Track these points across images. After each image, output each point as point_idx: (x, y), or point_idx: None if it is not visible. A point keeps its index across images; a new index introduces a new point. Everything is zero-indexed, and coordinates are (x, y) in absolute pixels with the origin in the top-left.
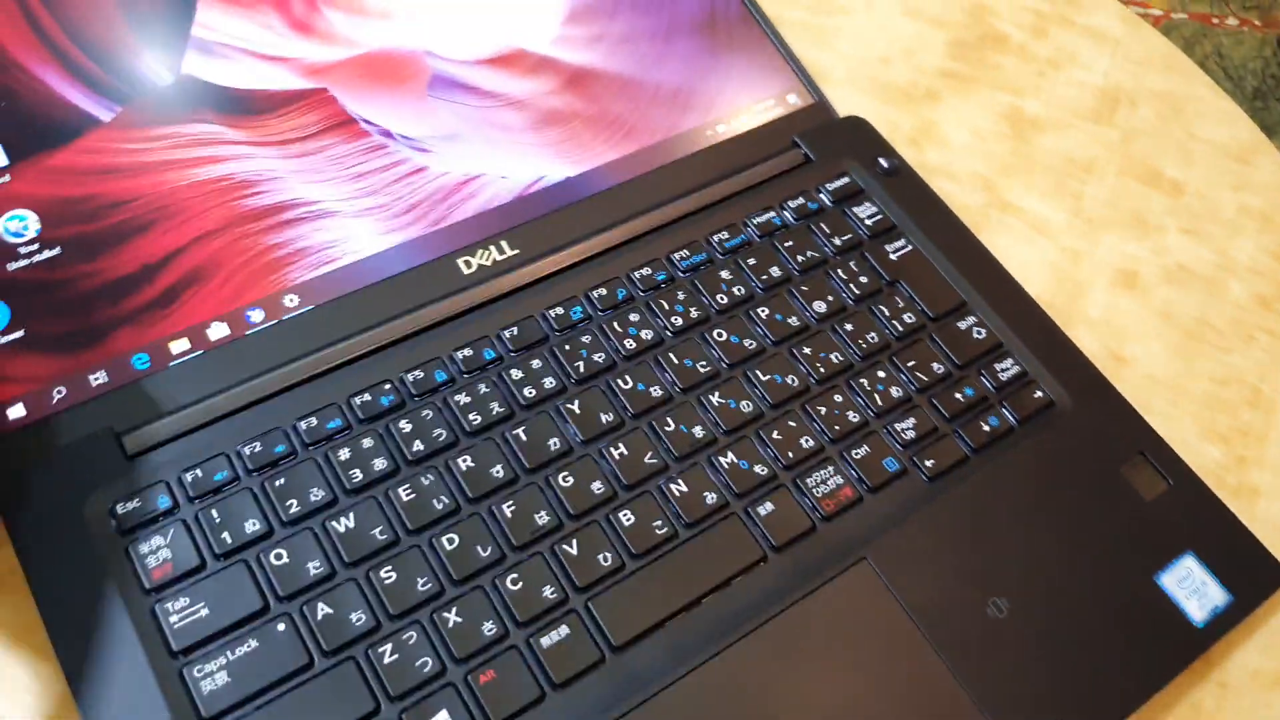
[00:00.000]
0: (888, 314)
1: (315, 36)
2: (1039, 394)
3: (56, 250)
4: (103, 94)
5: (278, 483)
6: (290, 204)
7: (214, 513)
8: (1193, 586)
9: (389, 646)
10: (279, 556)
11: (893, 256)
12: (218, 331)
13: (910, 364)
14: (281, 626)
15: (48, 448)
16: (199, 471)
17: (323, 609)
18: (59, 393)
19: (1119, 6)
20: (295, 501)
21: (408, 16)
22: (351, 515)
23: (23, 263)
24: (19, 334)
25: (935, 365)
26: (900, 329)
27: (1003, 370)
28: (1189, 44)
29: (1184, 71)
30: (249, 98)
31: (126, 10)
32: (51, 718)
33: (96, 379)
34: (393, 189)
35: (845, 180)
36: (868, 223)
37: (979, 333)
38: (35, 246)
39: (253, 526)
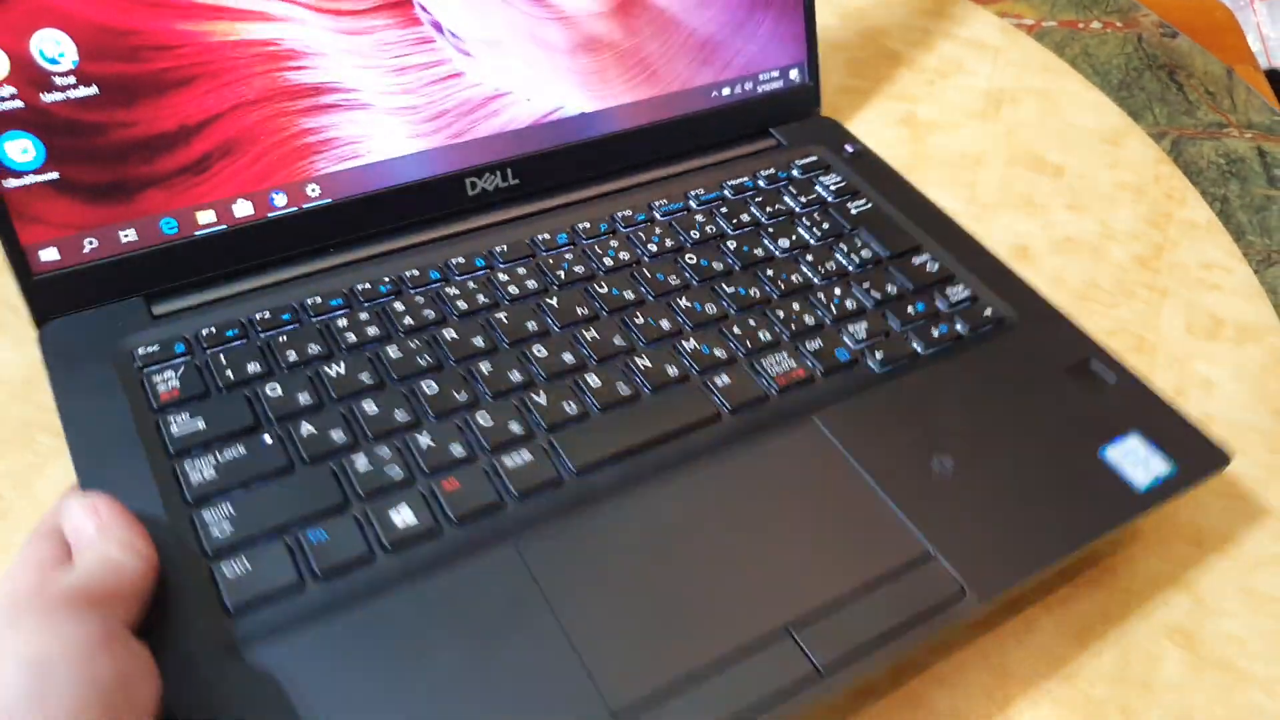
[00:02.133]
0: (847, 249)
1: None
2: (989, 311)
3: (94, 89)
4: None
5: (280, 338)
6: (330, 87)
7: (221, 357)
8: (1137, 459)
9: (363, 458)
10: (274, 390)
11: (853, 210)
12: (242, 209)
13: (866, 285)
14: (268, 438)
15: (80, 296)
16: (213, 328)
17: (307, 428)
18: (90, 243)
19: (995, 19)
20: (294, 352)
21: None
22: (342, 364)
23: (58, 95)
24: (53, 175)
25: (890, 287)
26: (859, 260)
27: (954, 293)
28: (1059, 46)
29: (1057, 70)
30: None
31: None
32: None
33: (126, 236)
34: (428, 90)
35: (813, 159)
36: (831, 187)
37: (932, 266)
38: (72, 80)
39: (254, 368)
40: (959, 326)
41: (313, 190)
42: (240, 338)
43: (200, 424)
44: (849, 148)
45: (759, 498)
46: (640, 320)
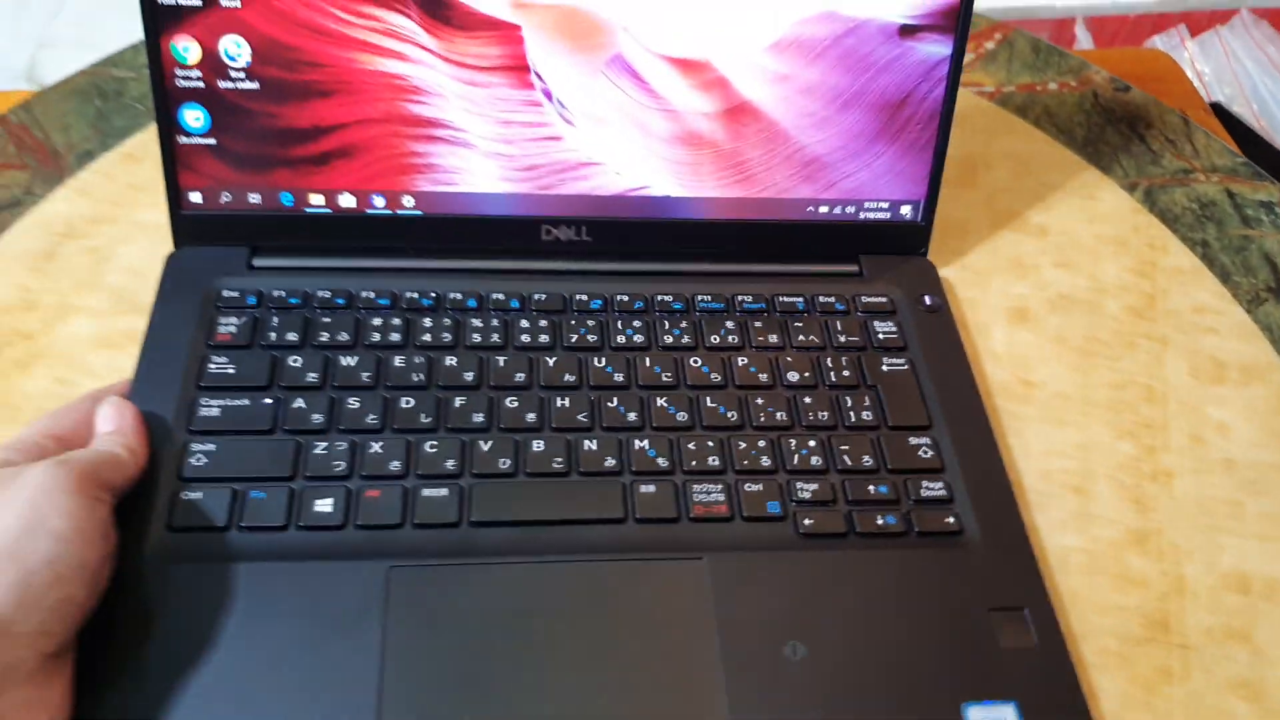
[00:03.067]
0: (851, 403)
1: None
2: (950, 520)
3: (257, 85)
4: None
5: (324, 319)
6: (441, 123)
7: (274, 319)
8: None
9: (323, 445)
10: (294, 361)
11: (884, 368)
12: (346, 201)
13: (844, 448)
14: (267, 400)
15: (207, 234)
16: (282, 292)
17: (299, 403)
18: (225, 197)
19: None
20: (326, 334)
21: None
22: (355, 358)
23: (229, 84)
24: (212, 140)
25: (866, 458)
26: (853, 420)
27: (929, 488)
28: (1022, 110)
29: (1023, 132)
30: (453, 8)
31: None
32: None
33: (253, 199)
34: (526, 146)
35: (882, 300)
36: (880, 335)
37: (926, 453)
38: (243, 75)
39: (291, 337)
40: (911, 522)
41: (408, 201)
42: (299, 306)
43: (230, 369)
44: (929, 299)
45: (611, 613)
46: (612, 404)
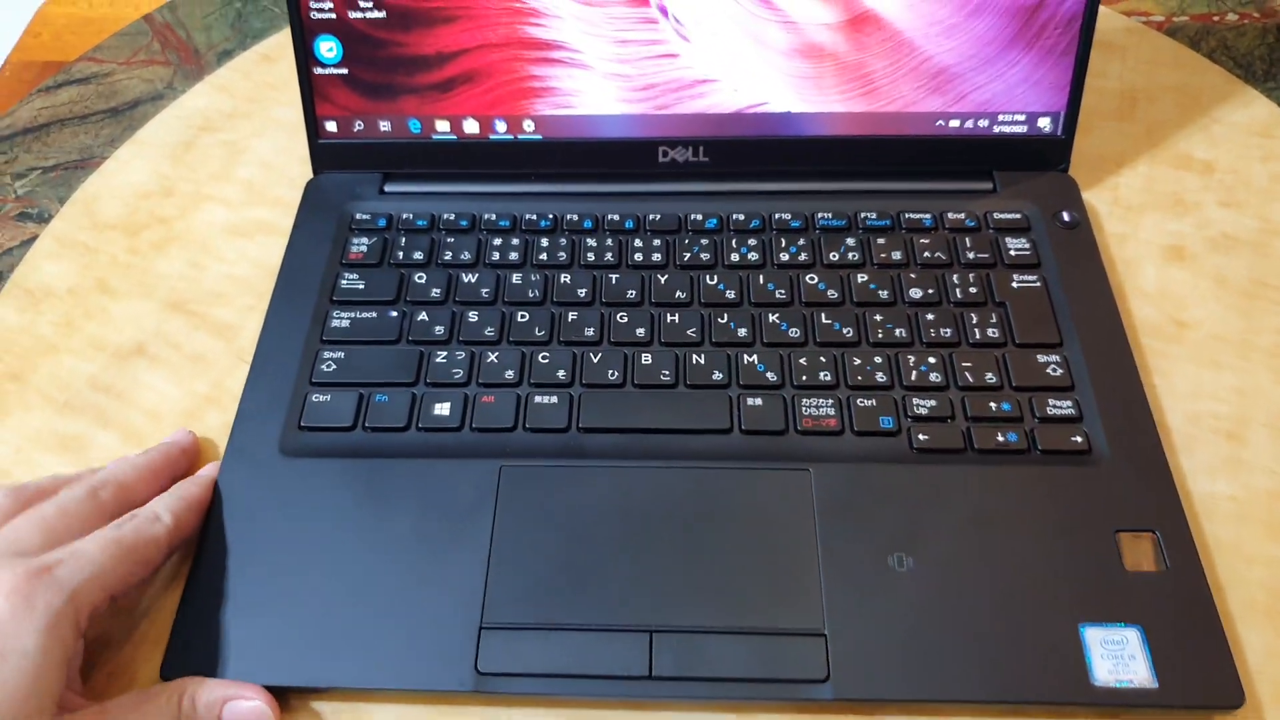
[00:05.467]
0: (977, 320)
1: None
2: (1077, 439)
3: (384, 14)
4: None
5: (449, 239)
6: (560, 45)
7: (403, 239)
8: (1118, 654)
9: (444, 354)
10: (420, 278)
11: (1015, 284)
12: (470, 127)
13: (966, 365)
14: (394, 313)
15: (343, 160)
16: (410, 215)
17: (423, 315)
18: (358, 125)
19: (1122, 18)
20: (451, 253)
21: None
22: (476, 275)
23: (359, 13)
24: (345, 70)
25: (989, 375)
26: (978, 337)
27: (1055, 406)
28: (1194, 42)
29: (1194, 65)
30: None
31: None
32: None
33: (384, 126)
34: (643, 64)
35: (1017, 216)
36: (1012, 253)
37: (1055, 370)
38: (371, 4)
39: (418, 256)
40: (1035, 439)
41: (529, 125)
42: (426, 229)
43: (360, 285)
44: (1067, 215)
45: (713, 517)
46: (722, 320)
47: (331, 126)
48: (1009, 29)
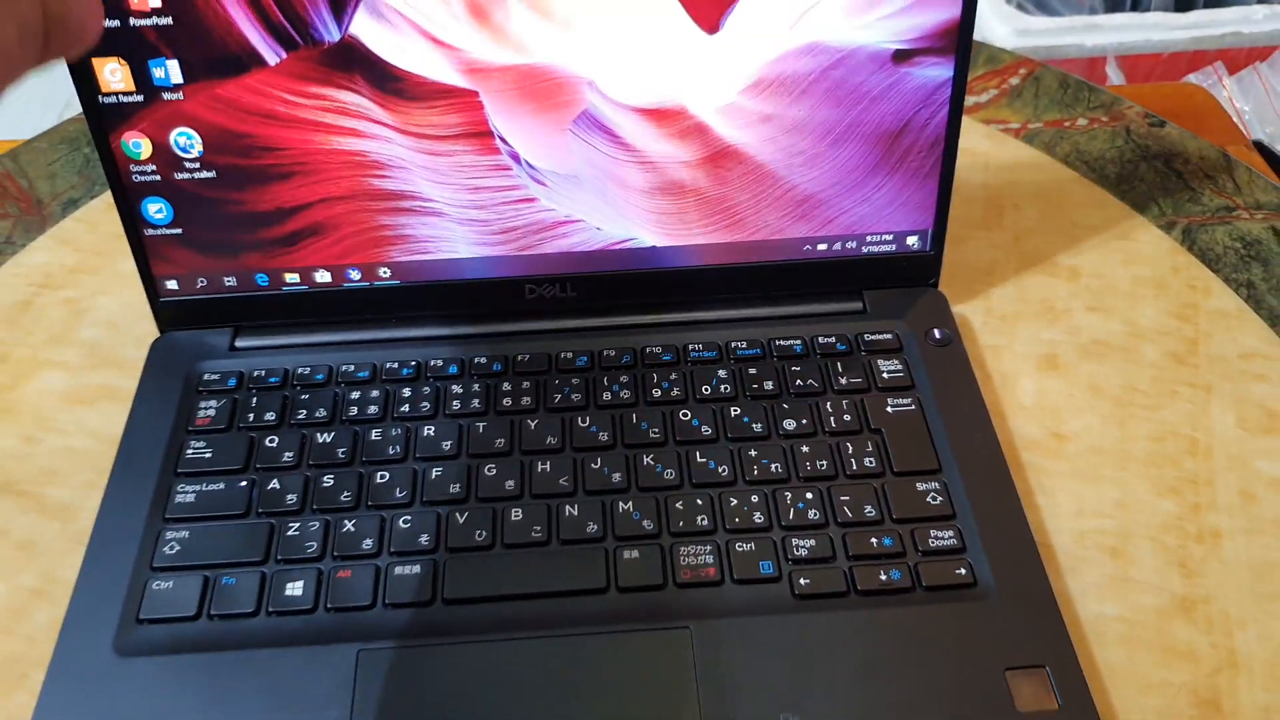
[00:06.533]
0: (853, 450)
1: (489, 29)
2: (961, 571)
3: (213, 174)
4: (274, 36)
5: (303, 395)
6: (409, 194)
7: (253, 399)
8: None
9: (296, 526)
10: (271, 441)
11: (889, 409)
12: (322, 276)
13: (844, 499)
14: (243, 483)
15: (188, 319)
16: (263, 372)
17: (273, 484)
18: (201, 282)
19: (982, 126)
20: (304, 411)
21: (588, 36)
22: (331, 434)
23: (186, 175)
24: (178, 230)
25: (868, 508)
26: (855, 468)
27: (937, 538)
28: (1049, 147)
29: (1052, 170)
30: (403, 80)
31: None
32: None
33: (228, 281)
34: (500, 209)
35: (887, 337)
36: (885, 375)
37: (935, 499)
38: (198, 165)
39: (269, 417)
40: (918, 575)
41: (384, 272)
42: (279, 386)
43: (207, 454)
44: (938, 333)
45: (587, 691)
46: (595, 465)
47: (172, 285)
48: (873, 156)
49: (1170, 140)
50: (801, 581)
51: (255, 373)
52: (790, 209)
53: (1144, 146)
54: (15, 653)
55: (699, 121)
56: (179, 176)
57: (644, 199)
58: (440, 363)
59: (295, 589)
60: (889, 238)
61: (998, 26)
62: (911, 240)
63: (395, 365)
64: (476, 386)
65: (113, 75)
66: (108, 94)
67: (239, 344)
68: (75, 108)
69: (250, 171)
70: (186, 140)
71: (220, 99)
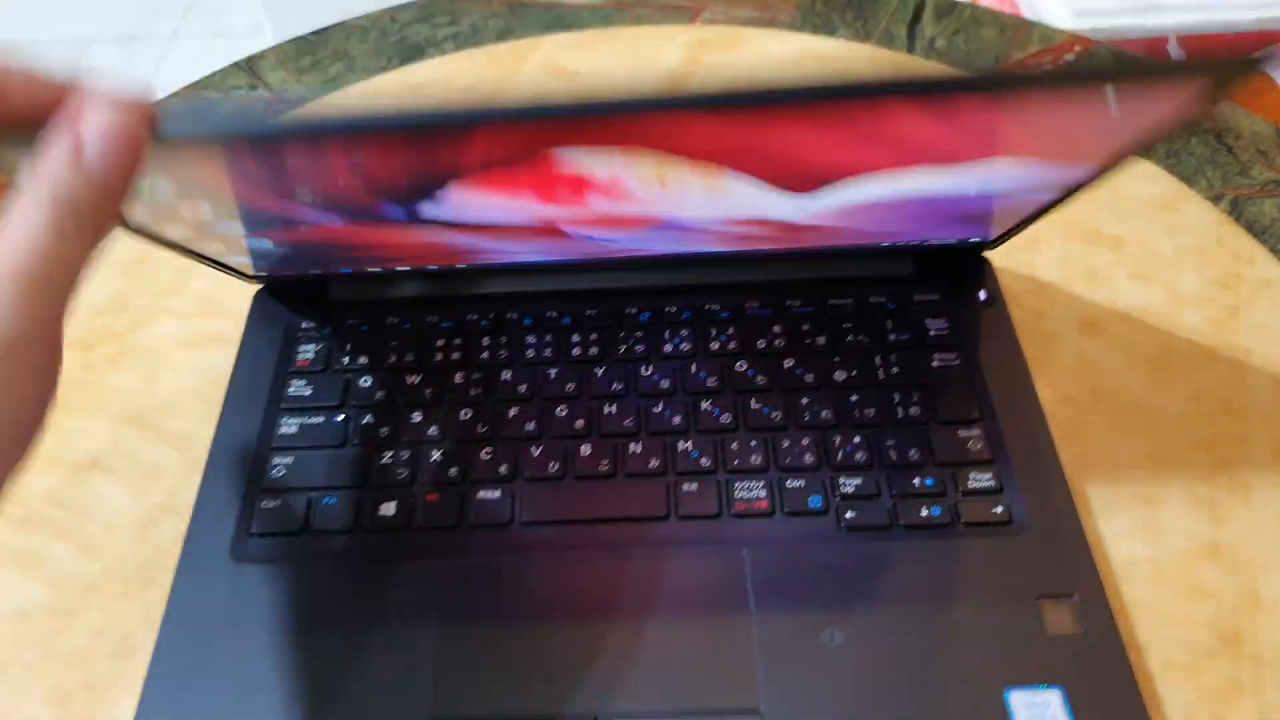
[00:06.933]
0: (899, 399)
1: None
2: (999, 509)
3: None
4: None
5: (393, 342)
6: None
7: (348, 345)
8: (1040, 715)
9: (389, 455)
10: (365, 381)
11: (935, 364)
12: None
13: (889, 443)
14: (340, 417)
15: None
16: (355, 320)
17: (368, 418)
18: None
19: None
20: (395, 356)
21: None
22: (419, 376)
23: None
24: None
25: (912, 452)
26: (901, 416)
27: (977, 480)
28: None
29: None
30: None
31: None
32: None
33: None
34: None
35: (932, 297)
36: (931, 333)
37: (975, 444)
38: None
39: (363, 360)
40: (957, 513)
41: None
42: (369, 333)
43: (307, 391)
44: (983, 294)
45: (651, 602)
46: (658, 409)
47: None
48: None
49: (1221, 115)
50: (848, 515)
51: (349, 321)
52: (864, 240)
53: (1195, 121)
54: (147, 558)
55: (782, 221)
56: None
57: (717, 242)
58: (516, 315)
59: (388, 509)
60: (953, 240)
61: (1057, 7)
62: (972, 240)
63: (475, 318)
64: (549, 338)
65: None
66: None
67: (333, 296)
68: None
69: None
70: None
71: None
